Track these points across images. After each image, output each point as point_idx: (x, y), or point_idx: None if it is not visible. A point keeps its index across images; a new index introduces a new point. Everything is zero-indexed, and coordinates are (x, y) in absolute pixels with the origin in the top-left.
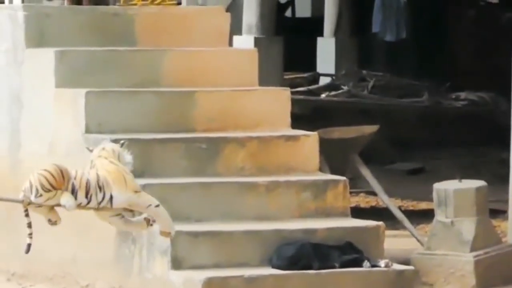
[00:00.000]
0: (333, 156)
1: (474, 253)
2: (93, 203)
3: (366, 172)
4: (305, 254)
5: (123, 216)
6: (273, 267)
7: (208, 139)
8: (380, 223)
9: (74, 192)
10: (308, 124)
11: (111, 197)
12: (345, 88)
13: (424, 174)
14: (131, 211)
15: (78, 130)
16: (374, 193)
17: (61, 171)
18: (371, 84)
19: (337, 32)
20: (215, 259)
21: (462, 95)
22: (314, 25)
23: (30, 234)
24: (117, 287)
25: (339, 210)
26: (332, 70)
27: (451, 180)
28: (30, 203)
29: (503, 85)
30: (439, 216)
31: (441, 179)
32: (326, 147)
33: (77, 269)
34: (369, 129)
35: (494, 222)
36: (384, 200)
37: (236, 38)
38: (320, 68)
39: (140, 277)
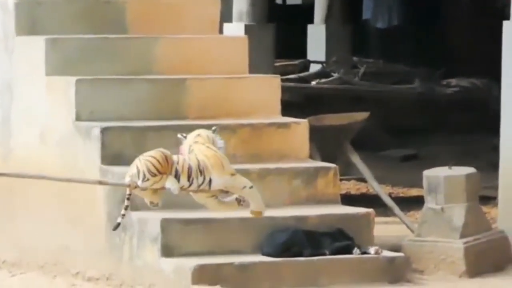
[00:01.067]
0: (324, 143)
1: (464, 240)
2: (194, 186)
3: (356, 159)
4: (297, 241)
5: (217, 197)
6: (264, 254)
7: (200, 126)
8: (371, 210)
9: (177, 176)
10: (299, 111)
11: (210, 180)
12: (336, 75)
13: (417, 160)
14: (226, 192)
15: (70, 119)
16: (365, 180)
17: (166, 157)
18: (362, 70)
19: (328, 19)
20: (206, 247)
21: (453, 81)
22: (305, 12)
23: (123, 215)
24: (108, 275)
25: (329, 197)
26: (323, 58)
27: (442, 167)
28: (136, 187)
29: (497, 71)
30: (429, 203)
31: (434, 165)
32: (317, 134)
33: (68, 257)
34: (360, 116)
35: (485, 208)
36: (374, 187)
37: (226, 25)
38: (310, 56)
39: (131, 265)
